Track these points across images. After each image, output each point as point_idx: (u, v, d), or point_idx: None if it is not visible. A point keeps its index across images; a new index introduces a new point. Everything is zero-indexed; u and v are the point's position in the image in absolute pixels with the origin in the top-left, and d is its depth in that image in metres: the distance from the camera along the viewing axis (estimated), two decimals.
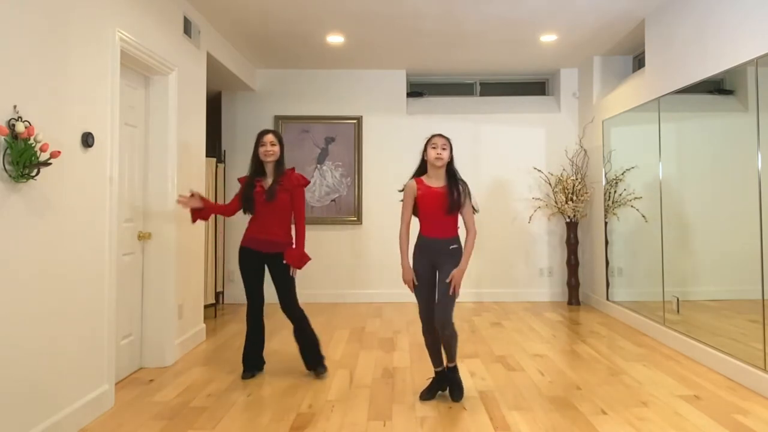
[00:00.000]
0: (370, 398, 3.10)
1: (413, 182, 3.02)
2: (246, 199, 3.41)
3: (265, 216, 3.41)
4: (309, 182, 3.52)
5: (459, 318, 5.21)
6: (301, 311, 3.44)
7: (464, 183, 3.02)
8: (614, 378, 3.41)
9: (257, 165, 3.46)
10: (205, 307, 5.18)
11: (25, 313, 2.34)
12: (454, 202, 2.94)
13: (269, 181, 3.42)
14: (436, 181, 2.99)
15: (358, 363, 3.78)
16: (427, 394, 3.06)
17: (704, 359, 3.67)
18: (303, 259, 3.39)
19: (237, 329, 4.82)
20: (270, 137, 3.41)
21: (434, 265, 2.99)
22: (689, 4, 3.93)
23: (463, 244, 3.01)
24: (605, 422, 2.73)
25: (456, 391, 3.04)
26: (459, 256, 2.97)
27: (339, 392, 3.20)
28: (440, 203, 2.94)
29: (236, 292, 6.11)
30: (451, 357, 3.05)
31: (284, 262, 3.37)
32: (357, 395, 3.15)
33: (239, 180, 3.55)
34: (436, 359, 3.10)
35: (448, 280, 2.90)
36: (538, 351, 4.05)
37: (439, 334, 2.96)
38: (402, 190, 3.07)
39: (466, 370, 3.59)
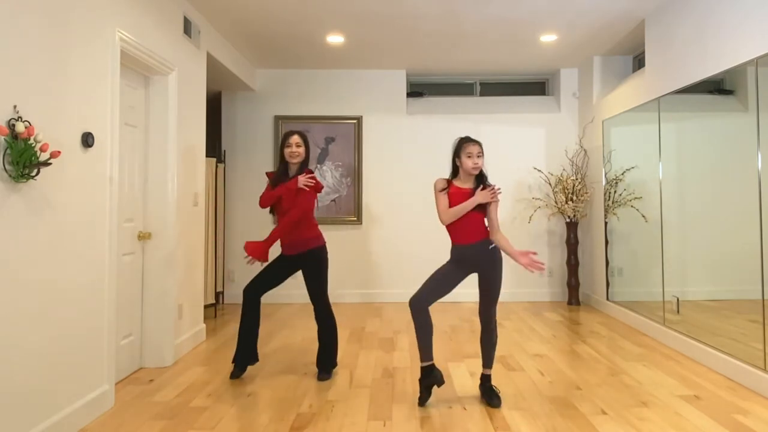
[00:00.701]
0: (370, 398, 3.10)
1: (444, 180, 3.05)
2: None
3: (281, 218, 3.40)
4: (320, 186, 3.40)
5: (459, 318, 5.21)
6: (329, 313, 3.45)
7: (492, 187, 3.00)
8: (614, 378, 3.41)
9: (282, 165, 3.44)
10: (205, 307, 5.19)
11: (25, 313, 2.34)
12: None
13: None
14: (465, 184, 3.03)
15: (358, 363, 3.78)
16: (424, 397, 3.00)
17: (704, 359, 3.67)
18: (255, 252, 3.26)
19: (237, 329, 4.81)
20: (296, 138, 3.39)
21: (474, 272, 3.01)
22: (689, 4, 3.93)
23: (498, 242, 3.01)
24: (605, 422, 2.73)
25: (496, 399, 2.99)
26: (499, 255, 2.98)
27: (339, 392, 3.20)
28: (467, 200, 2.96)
29: (236, 292, 6.10)
30: (490, 362, 3.06)
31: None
32: (357, 395, 3.15)
33: (267, 174, 3.55)
34: (426, 349, 2.95)
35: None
36: (538, 351, 4.05)
37: (484, 329, 3.03)
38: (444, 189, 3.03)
39: (465, 369, 3.59)
